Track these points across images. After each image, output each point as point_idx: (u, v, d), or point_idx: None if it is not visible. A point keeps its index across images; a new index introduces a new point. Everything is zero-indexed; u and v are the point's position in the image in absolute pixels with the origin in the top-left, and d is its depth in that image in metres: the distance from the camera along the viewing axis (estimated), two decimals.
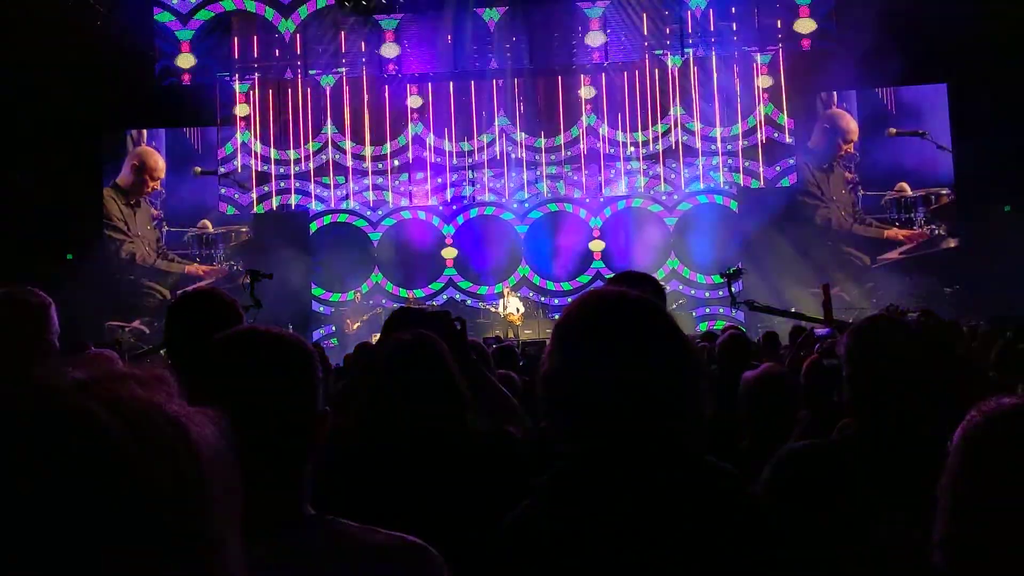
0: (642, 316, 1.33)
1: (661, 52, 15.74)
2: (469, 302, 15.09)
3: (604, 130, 15.79)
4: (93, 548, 0.55)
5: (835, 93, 15.54)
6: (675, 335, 1.34)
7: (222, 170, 15.76)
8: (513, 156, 15.92)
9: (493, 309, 14.57)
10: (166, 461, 0.59)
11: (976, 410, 1.13)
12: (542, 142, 15.86)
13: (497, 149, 15.90)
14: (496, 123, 15.89)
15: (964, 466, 1.10)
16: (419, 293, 15.19)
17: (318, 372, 1.30)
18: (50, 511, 0.54)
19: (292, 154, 15.92)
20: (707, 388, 1.35)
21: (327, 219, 15.93)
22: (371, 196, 16.02)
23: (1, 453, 0.55)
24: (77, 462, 0.55)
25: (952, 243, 14.99)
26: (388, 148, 15.93)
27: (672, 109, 15.63)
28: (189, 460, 0.60)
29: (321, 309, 15.51)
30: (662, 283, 2.89)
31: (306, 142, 15.96)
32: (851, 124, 15.58)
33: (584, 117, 15.82)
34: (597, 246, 15.56)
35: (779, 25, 15.61)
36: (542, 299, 15.12)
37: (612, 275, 3.04)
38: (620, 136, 15.76)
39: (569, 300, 2.35)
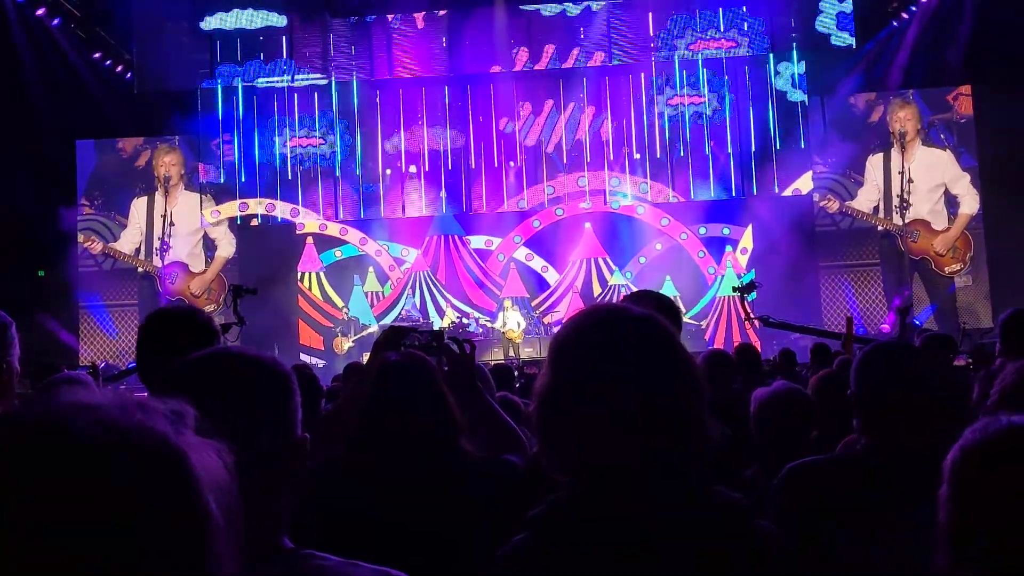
0: (643, 331, 1.34)
1: (667, 54, 15.80)
2: (464, 319, 15.04)
3: (608, 135, 15.84)
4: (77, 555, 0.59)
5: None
6: (677, 352, 1.35)
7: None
8: (512, 164, 15.96)
9: (490, 325, 14.50)
10: (153, 486, 0.63)
11: (964, 437, 1.14)
12: (541, 148, 15.91)
13: (495, 155, 15.95)
14: (493, 128, 15.95)
15: (956, 495, 1.11)
16: (410, 308, 15.19)
17: (295, 396, 1.29)
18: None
19: (277, 163, 15.96)
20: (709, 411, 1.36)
21: (313, 227, 15.92)
22: (361, 206, 16.06)
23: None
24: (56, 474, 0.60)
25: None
26: (380, 155, 15.99)
27: (680, 113, 15.69)
28: (181, 487, 0.65)
29: (309, 327, 15.50)
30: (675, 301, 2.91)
31: (293, 149, 16.00)
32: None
33: (586, 121, 15.87)
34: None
35: (794, 24, 15.62)
36: (537, 315, 15.10)
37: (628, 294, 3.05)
38: (624, 142, 15.81)
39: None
